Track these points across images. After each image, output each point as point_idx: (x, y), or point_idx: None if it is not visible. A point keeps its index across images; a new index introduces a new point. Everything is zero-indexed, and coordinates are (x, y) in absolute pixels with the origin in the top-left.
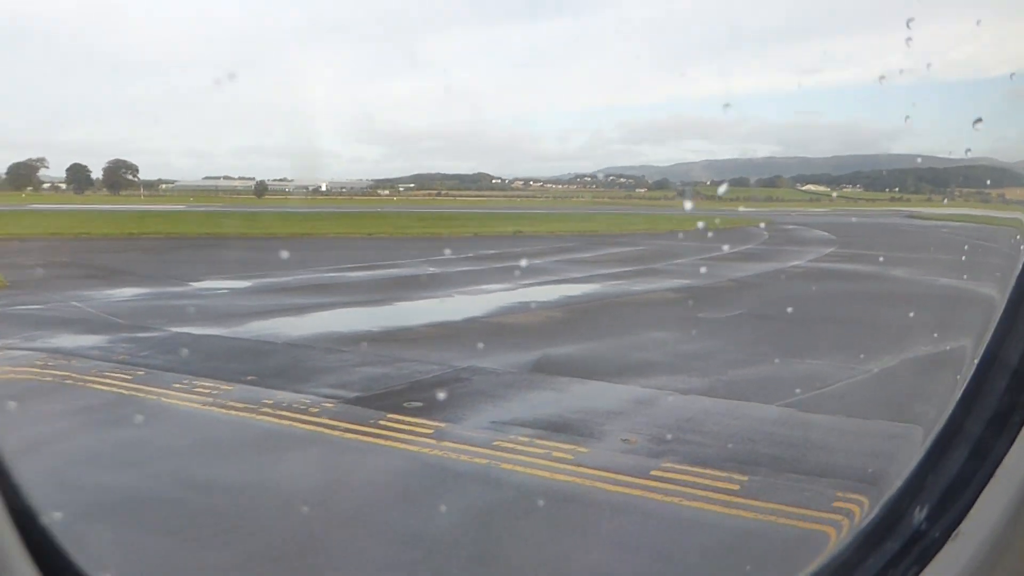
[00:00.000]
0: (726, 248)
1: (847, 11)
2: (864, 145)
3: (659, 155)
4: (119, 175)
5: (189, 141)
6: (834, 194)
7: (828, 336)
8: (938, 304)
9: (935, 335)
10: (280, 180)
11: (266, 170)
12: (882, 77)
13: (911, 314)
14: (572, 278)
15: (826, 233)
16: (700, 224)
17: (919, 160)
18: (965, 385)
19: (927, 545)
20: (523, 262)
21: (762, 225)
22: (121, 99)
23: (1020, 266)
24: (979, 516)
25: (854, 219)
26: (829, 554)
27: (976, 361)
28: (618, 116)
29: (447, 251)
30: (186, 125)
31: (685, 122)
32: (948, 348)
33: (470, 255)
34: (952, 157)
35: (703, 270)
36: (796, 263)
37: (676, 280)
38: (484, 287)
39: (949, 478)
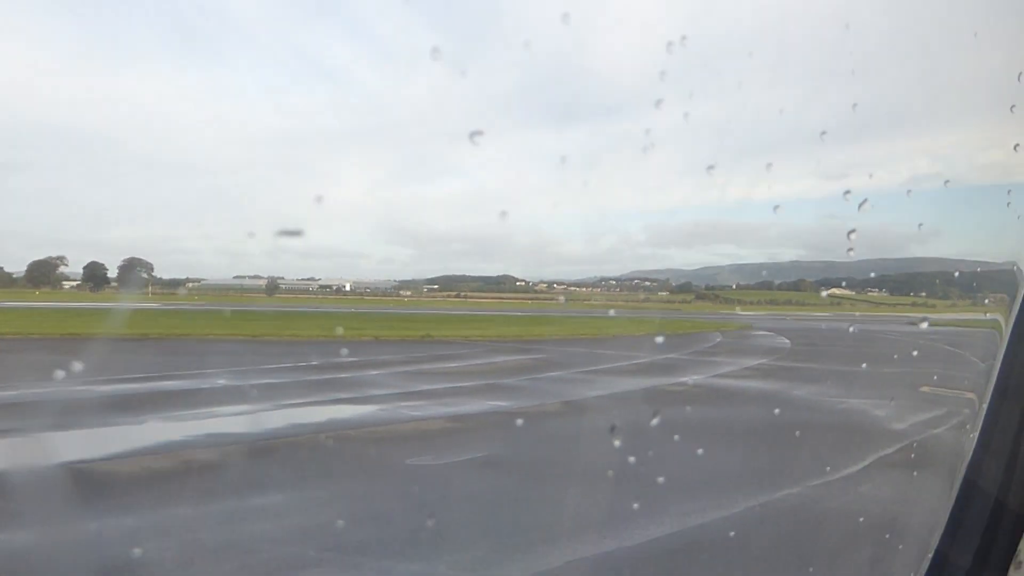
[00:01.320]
0: (640, 357)
1: (874, 118)
2: (891, 249)
3: (686, 259)
4: (133, 273)
5: (222, 241)
6: (838, 297)
7: (529, 514)
8: (791, 442)
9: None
10: (307, 279)
11: (297, 270)
12: (909, 191)
13: (730, 461)
14: (371, 396)
15: (787, 341)
16: (658, 331)
17: (946, 264)
18: (949, 512)
19: None
20: (354, 373)
21: (719, 333)
22: (157, 200)
23: (988, 398)
24: None
25: (849, 325)
26: None
27: (958, 486)
28: (645, 220)
29: (300, 355)
30: (220, 225)
31: (712, 226)
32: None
33: (313, 363)
34: (979, 260)
35: (558, 387)
36: (693, 379)
37: (497, 401)
38: (217, 409)
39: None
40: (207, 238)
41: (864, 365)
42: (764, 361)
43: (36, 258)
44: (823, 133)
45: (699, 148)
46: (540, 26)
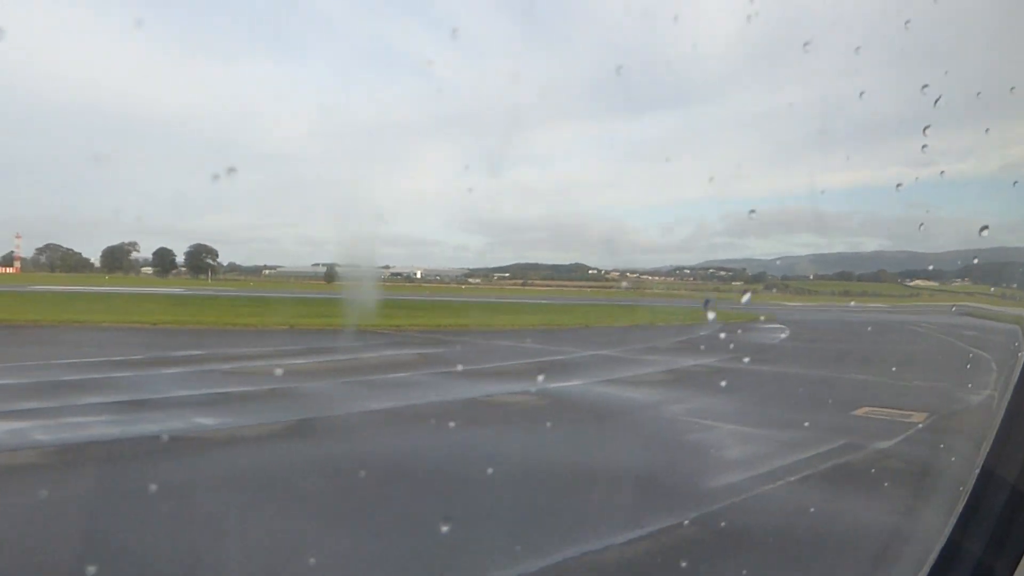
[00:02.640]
0: (564, 353)
1: (964, 103)
2: (981, 239)
3: (764, 248)
4: (199, 259)
5: (304, 229)
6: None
7: None
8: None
9: None
10: (383, 268)
11: (375, 257)
12: (1016, 182)
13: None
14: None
15: (783, 336)
16: (652, 322)
17: None
18: (964, 501)
19: None
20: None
21: (725, 325)
22: (240, 190)
23: (1011, 388)
24: None
25: (890, 316)
26: None
27: (975, 476)
28: (723, 209)
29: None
30: (303, 214)
31: (791, 215)
32: None
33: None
34: None
35: (347, 395)
36: (575, 383)
37: (201, 419)
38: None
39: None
40: (288, 227)
41: (824, 371)
42: (712, 361)
43: (111, 244)
44: (926, 125)
45: (779, 136)
46: (618, 15)
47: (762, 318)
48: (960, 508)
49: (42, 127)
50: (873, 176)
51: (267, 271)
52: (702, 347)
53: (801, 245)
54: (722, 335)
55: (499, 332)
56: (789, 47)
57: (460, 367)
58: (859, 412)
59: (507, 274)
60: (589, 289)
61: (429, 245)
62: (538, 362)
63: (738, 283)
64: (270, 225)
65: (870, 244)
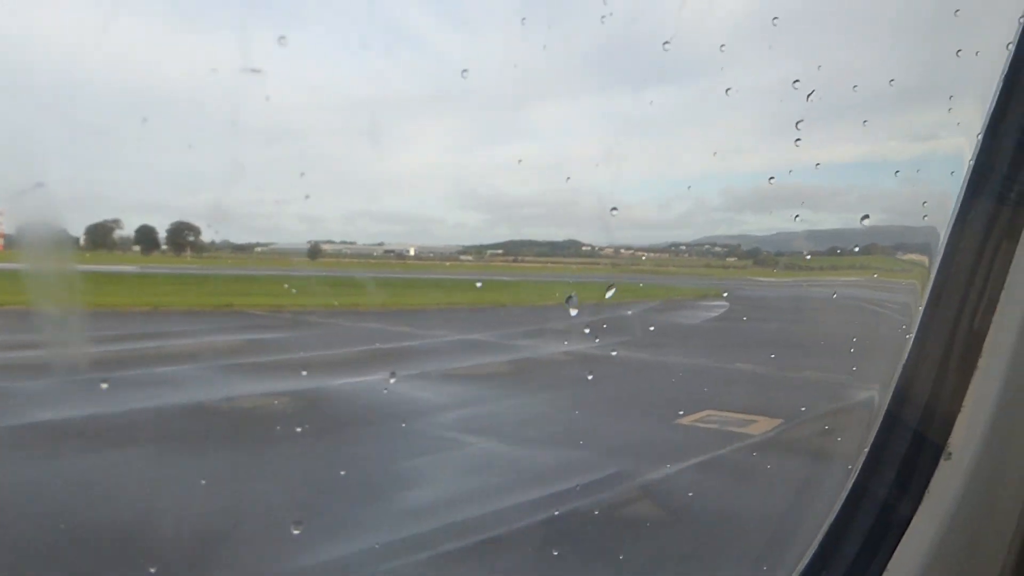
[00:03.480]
0: (415, 338)
1: (966, 76)
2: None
3: (761, 224)
4: (181, 236)
5: (301, 206)
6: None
7: None
8: None
9: None
10: (376, 244)
11: (371, 235)
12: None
13: None
14: None
15: (715, 315)
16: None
17: None
18: (864, 455)
19: None
20: None
21: (664, 301)
22: (237, 165)
23: (914, 330)
24: None
25: (854, 291)
26: None
27: (879, 420)
28: (721, 184)
29: None
30: (298, 191)
31: (788, 191)
32: None
33: None
34: None
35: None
36: (422, 370)
37: None
38: None
39: (859, 540)
40: (285, 203)
41: (706, 359)
42: (582, 348)
43: (92, 222)
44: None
45: (777, 110)
46: None
47: (725, 295)
48: (865, 450)
49: (35, 102)
50: (873, 150)
51: (259, 248)
52: (588, 330)
53: (796, 221)
54: (638, 314)
55: (387, 313)
56: (791, 20)
57: (267, 357)
58: (688, 419)
59: (500, 251)
60: (576, 266)
61: (428, 222)
62: (371, 349)
63: (732, 259)
64: (267, 202)
65: (865, 219)
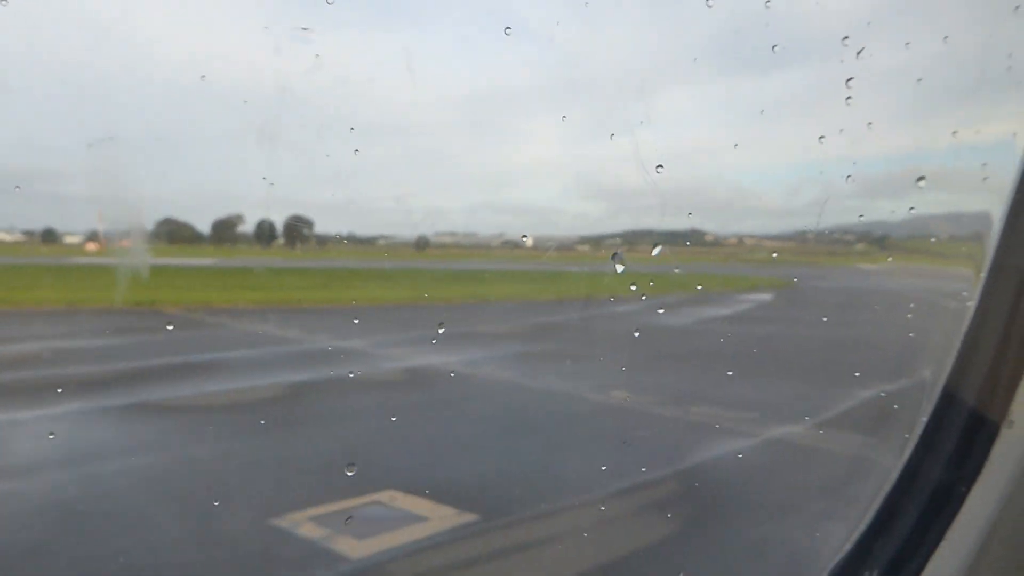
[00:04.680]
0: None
1: None
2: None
3: (896, 210)
4: (295, 230)
5: (425, 199)
6: None
7: None
8: None
9: None
10: (496, 235)
11: (492, 226)
12: None
13: None
14: None
15: (727, 312)
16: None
17: None
18: (911, 451)
19: None
20: None
21: (706, 293)
22: (357, 162)
23: (971, 313)
24: (942, 561)
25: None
26: None
27: (921, 427)
28: (852, 170)
29: None
30: (422, 184)
31: (926, 174)
32: None
33: None
34: None
35: None
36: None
37: None
38: None
39: (898, 543)
40: (408, 197)
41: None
42: (535, 349)
43: (219, 217)
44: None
45: (912, 91)
46: None
47: (795, 279)
48: (918, 432)
49: (168, 107)
50: (1015, 128)
51: (382, 241)
52: (533, 337)
53: (932, 204)
54: (638, 311)
55: (365, 308)
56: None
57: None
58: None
59: (619, 240)
60: (691, 255)
61: (549, 212)
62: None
63: (860, 246)
64: (391, 196)
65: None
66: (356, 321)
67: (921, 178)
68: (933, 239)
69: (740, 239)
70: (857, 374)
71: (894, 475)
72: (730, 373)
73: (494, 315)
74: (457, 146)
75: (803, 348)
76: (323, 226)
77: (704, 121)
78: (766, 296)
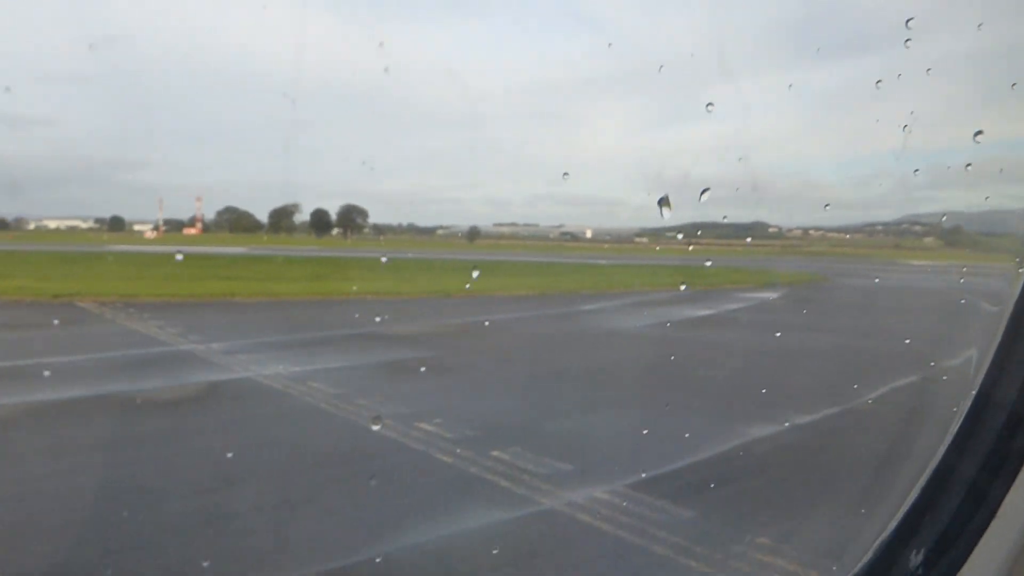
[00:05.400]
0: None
1: None
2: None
3: (971, 201)
4: (350, 219)
5: (487, 190)
6: None
7: None
8: None
9: None
10: (556, 226)
11: (553, 217)
12: None
13: None
14: None
15: (718, 311)
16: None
17: None
18: (959, 423)
19: None
20: None
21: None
22: (425, 152)
23: (1010, 309)
24: (979, 562)
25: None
26: None
27: (971, 399)
28: (924, 160)
29: None
30: (484, 175)
31: (1005, 165)
32: None
33: None
34: None
35: None
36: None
37: None
38: None
39: (946, 521)
40: (471, 187)
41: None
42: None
43: (276, 206)
44: None
45: (989, 75)
46: None
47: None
48: (954, 429)
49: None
50: None
51: (440, 231)
52: (431, 342)
53: (1013, 198)
54: (678, 305)
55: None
56: None
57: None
58: None
59: (680, 234)
60: (747, 248)
61: (610, 204)
62: None
63: (930, 239)
64: (454, 187)
65: None
66: (229, 317)
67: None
68: (1005, 235)
69: (805, 231)
70: (764, 401)
71: (940, 451)
72: (611, 394)
73: (453, 311)
74: (520, 137)
75: (736, 362)
76: (385, 216)
77: (771, 110)
78: (771, 295)
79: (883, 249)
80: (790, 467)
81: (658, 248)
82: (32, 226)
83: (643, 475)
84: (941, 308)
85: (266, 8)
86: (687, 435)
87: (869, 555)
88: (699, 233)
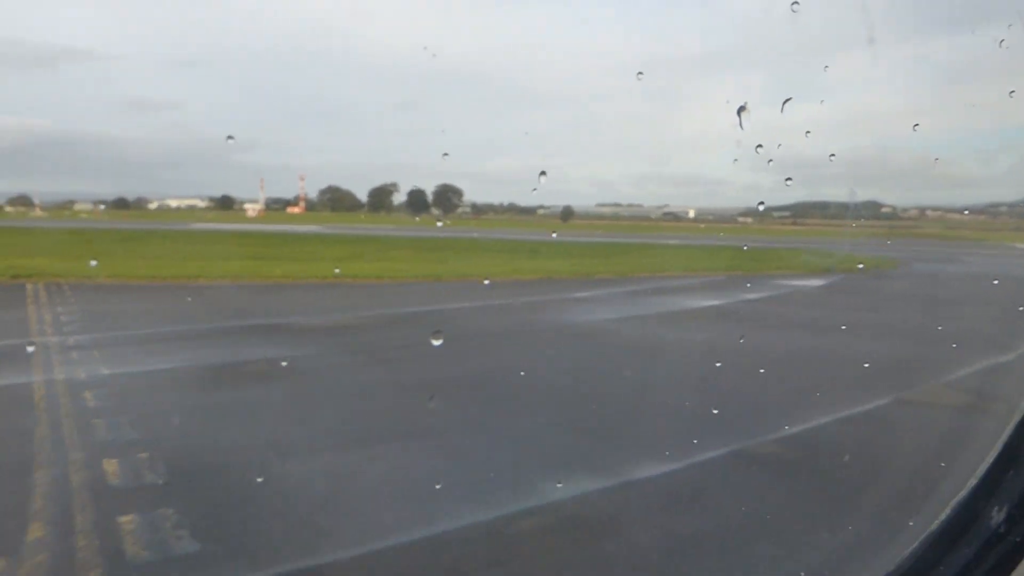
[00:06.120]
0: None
1: None
2: None
3: None
4: (445, 199)
5: (592, 170)
6: None
7: None
8: None
9: None
10: (661, 206)
11: (659, 197)
12: None
13: None
14: None
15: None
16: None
17: None
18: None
19: (1008, 550)
20: None
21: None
22: (529, 131)
23: None
24: None
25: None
26: (899, 558)
27: None
28: None
29: None
30: (591, 154)
31: None
32: None
33: None
34: None
35: None
36: None
37: None
38: None
39: None
40: (576, 167)
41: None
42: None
43: (375, 185)
44: None
45: None
46: None
47: (861, 266)
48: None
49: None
50: None
51: (540, 211)
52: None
53: None
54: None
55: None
56: None
57: None
58: None
59: (787, 213)
60: (851, 230)
61: (717, 184)
62: None
63: None
64: (559, 166)
65: None
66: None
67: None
68: None
69: (922, 212)
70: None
71: (1023, 406)
72: (463, 415)
73: (420, 297)
74: (626, 115)
75: (655, 374)
76: (488, 195)
77: (889, 85)
78: (813, 282)
79: (1002, 232)
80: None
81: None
82: (155, 205)
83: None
84: (996, 304)
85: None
86: (485, 489)
87: (948, 511)
88: (785, 215)
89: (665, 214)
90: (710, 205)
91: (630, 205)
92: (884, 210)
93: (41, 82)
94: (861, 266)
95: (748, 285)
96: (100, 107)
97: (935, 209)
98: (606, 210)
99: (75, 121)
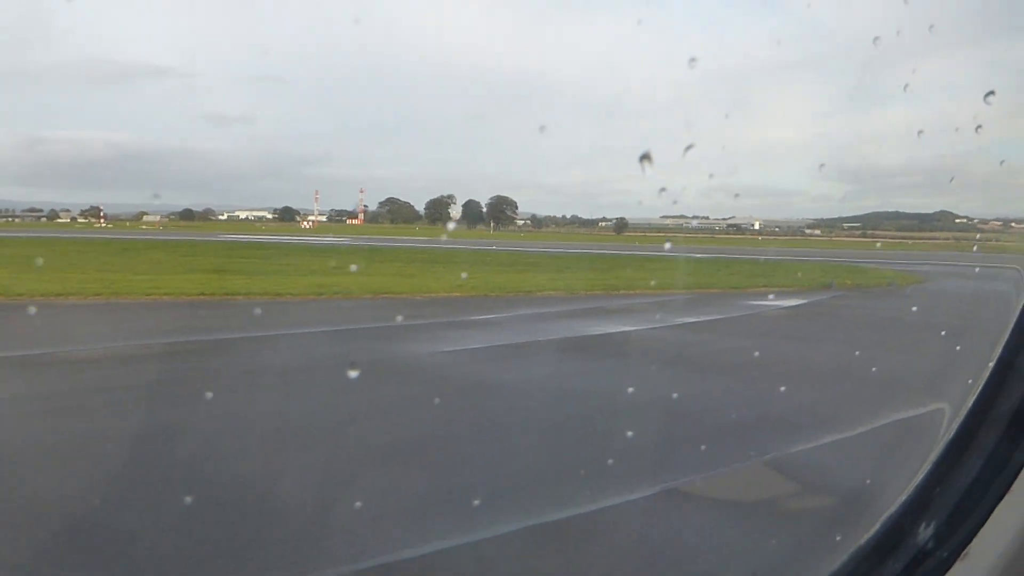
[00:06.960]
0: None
1: None
2: None
3: None
4: (500, 211)
5: (657, 181)
6: None
7: None
8: None
9: None
10: (727, 218)
11: (726, 209)
12: None
13: None
14: None
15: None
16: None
17: None
18: (977, 394)
19: (934, 566)
20: None
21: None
22: (597, 142)
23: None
24: (991, 535)
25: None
26: (826, 572)
27: (988, 371)
28: None
29: None
30: (657, 165)
31: None
32: None
33: None
34: None
35: None
36: None
37: None
38: None
39: (959, 493)
40: (642, 179)
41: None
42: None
43: (432, 197)
44: None
45: None
46: None
47: (895, 284)
48: (969, 403)
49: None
50: None
51: (603, 223)
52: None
53: None
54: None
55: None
56: None
57: None
58: None
59: (857, 224)
60: (914, 243)
61: (786, 195)
62: None
63: None
64: (623, 178)
65: None
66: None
67: None
68: None
69: (1005, 223)
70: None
71: (954, 425)
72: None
73: (354, 315)
74: (694, 125)
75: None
76: (549, 208)
77: (968, 89)
78: (796, 301)
79: None
80: None
81: (818, 239)
82: (224, 216)
83: None
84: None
85: (433, 8)
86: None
87: (877, 526)
88: (855, 226)
89: (729, 226)
90: (780, 216)
91: (695, 217)
92: (957, 220)
93: (123, 98)
94: (874, 284)
95: (720, 305)
96: (178, 122)
97: (1018, 221)
98: (669, 222)
99: (154, 135)
